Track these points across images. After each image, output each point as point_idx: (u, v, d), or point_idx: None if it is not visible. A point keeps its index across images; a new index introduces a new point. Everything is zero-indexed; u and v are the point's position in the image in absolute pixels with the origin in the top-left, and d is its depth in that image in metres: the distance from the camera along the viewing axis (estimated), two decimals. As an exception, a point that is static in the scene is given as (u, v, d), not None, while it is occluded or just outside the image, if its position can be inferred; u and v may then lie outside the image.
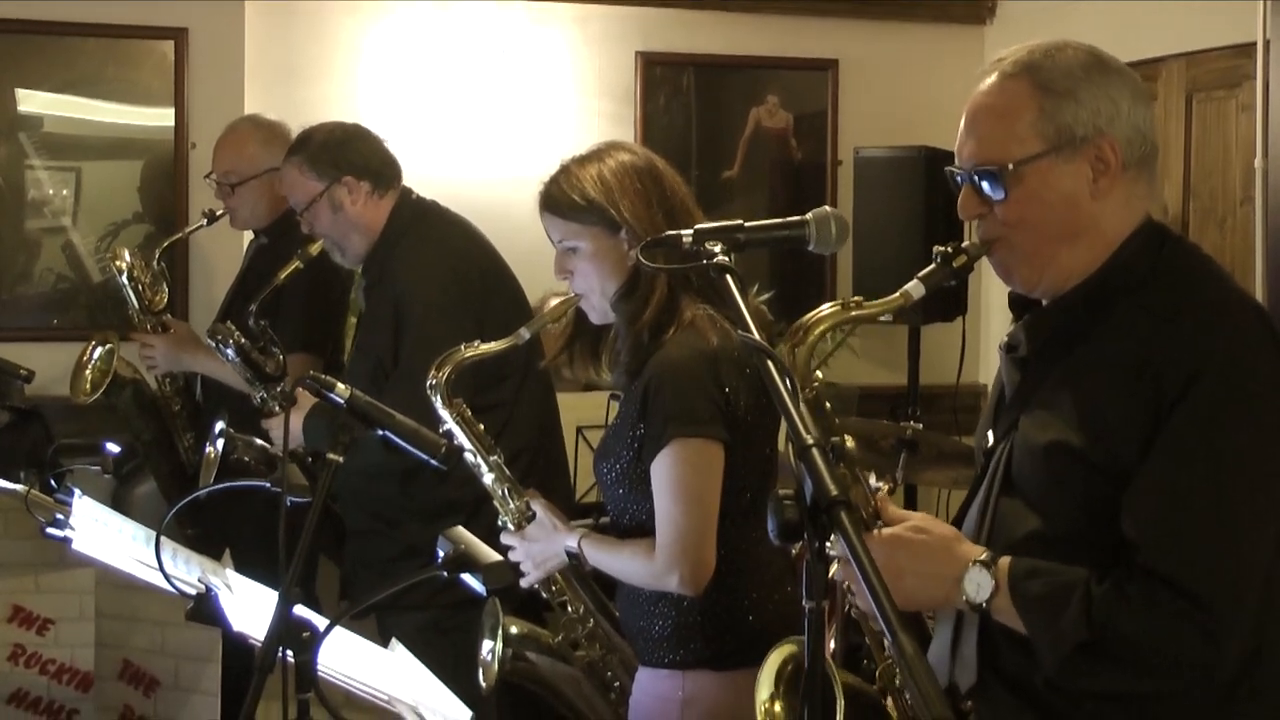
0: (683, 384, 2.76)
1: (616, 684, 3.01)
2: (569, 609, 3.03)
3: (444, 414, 3.01)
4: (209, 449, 3.86)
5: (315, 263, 4.05)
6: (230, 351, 3.94)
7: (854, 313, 2.23)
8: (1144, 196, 2.23)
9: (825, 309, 2.23)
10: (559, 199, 2.89)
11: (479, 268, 3.91)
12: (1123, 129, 2.18)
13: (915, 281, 2.21)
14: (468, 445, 3.03)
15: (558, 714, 3.05)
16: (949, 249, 2.22)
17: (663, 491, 2.77)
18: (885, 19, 6.50)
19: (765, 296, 5.86)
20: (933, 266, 2.22)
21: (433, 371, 2.99)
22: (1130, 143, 2.19)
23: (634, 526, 2.88)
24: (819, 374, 2.25)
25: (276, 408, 3.96)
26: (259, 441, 3.90)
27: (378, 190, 3.92)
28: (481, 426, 3.06)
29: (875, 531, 2.20)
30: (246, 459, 3.85)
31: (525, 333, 2.97)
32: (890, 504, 2.28)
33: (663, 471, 2.77)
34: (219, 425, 3.85)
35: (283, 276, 4.00)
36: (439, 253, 3.86)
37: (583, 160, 2.91)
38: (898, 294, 2.21)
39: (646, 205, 2.85)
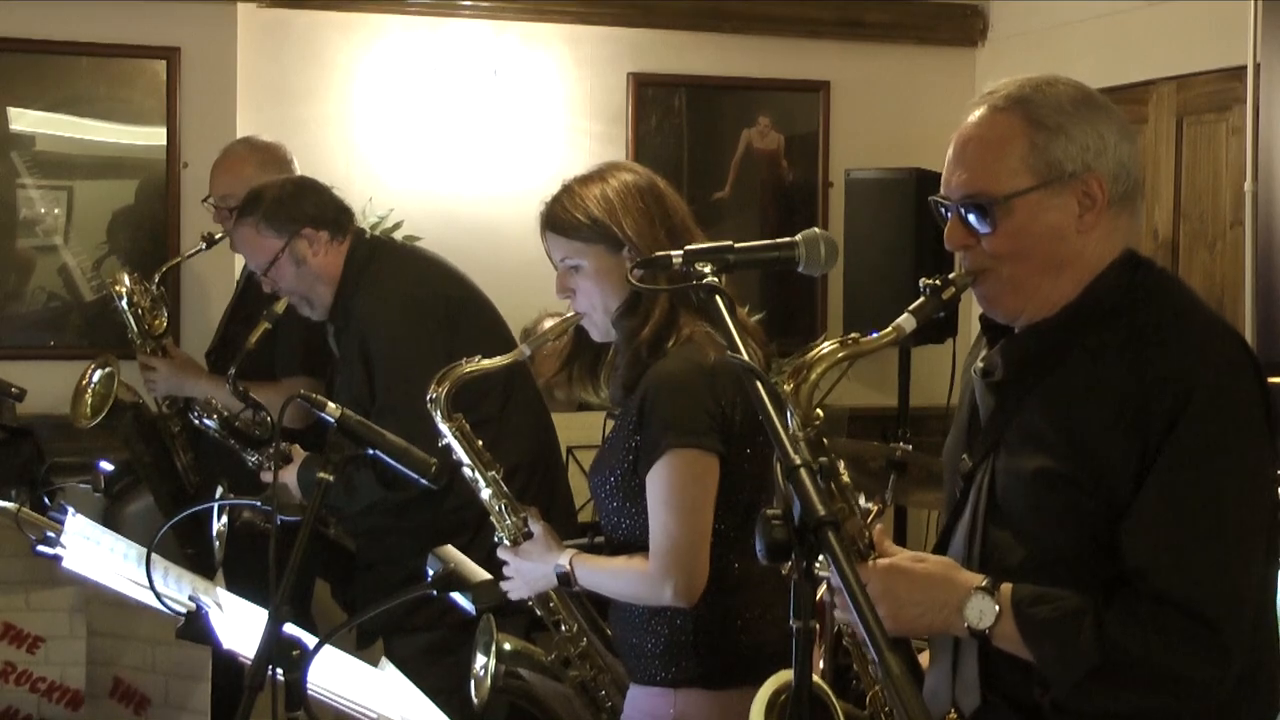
0: (679, 396, 2.77)
1: (609, 704, 3.01)
2: (563, 628, 3.03)
3: (443, 428, 3.01)
4: (216, 526, 3.84)
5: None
6: (212, 424, 3.94)
7: (852, 350, 2.23)
8: (1125, 230, 2.25)
9: (825, 347, 2.24)
10: (561, 218, 2.89)
11: (442, 294, 3.87)
12: (1109, 165, 2.20)
13: (907, 315, 2.22)
14: (466, 460, 3.03)
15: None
16: (937, 281, 2.24)
17: (658, 501, 2.77)
18: (877, 41, 6.51)
19: (756, 318, 5.85)
20: (922, 299, 2.23)
21: (433, 385, 2.99)
22: (1116, 179, 2.21)
23: (628, 540, 2.88)
24: (819, 412, 2.25)
25: (272, 467, 3.93)
26: (260, 504, 3.89)
27: (336, 238, 3.86)
28: (480, 442, 3.06)
29: (871, 561, 2.21)
30: (253, 520, 3.86)
31: (527, 350, 2.99)
32: (887, 539, 2.28)
33: (658, 481, 2.77)
34: (218, 492, 3.84)
35: (253, 340, 3.94)
36: (395, 284, 3.83)
37: (585, 180, 2.92)
38: (890, 329, 2.22)
39: (649, 224, 2.85)
